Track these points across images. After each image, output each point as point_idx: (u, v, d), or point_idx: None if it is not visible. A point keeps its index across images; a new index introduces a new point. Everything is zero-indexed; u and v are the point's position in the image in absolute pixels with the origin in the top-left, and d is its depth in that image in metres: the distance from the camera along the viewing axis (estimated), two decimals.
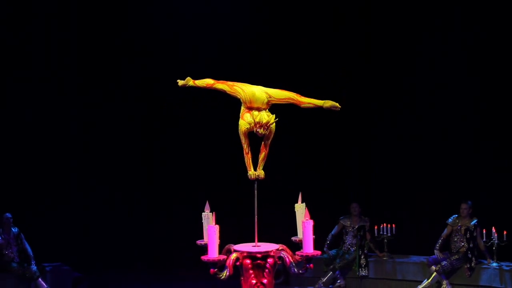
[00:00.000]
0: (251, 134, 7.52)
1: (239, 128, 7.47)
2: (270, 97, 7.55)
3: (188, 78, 7.86)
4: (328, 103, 7.59)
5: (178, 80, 7.87)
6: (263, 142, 7.56)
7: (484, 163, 12.51)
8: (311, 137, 13.72)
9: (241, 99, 7.61)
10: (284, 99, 7.59)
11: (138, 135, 14.21)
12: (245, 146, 7.47)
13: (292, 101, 7.61)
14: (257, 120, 7.39)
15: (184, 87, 7.89)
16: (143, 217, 13.93)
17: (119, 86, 14.00)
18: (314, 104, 7.61)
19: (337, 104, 7.58)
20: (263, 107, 7.50)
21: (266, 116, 7.43)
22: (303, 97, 7.63)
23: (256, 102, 7.50)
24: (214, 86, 7.84)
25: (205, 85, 7.90)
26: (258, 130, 7.40)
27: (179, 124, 14.12)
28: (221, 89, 7.80)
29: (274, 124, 7.47)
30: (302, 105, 7.63)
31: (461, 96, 12.89)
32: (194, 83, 7.91)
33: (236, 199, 12.47)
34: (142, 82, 14.09)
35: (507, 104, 12.53)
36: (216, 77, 12.85)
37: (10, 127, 13.01)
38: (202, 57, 13.67)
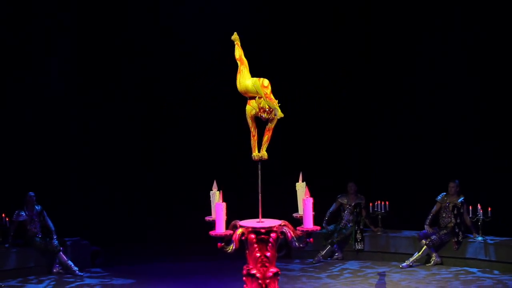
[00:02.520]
0: (257, 119, 7.58)
1: (246, 113, 7.59)
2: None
3: (238, 38, 8.09)
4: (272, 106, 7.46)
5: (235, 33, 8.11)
6: (267, 126, 7.61)
7: (471, 148, 12.53)
8: (313, 129, 13.62)
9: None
10: (258, 94, 7.61)
11: (138, 135, 13.70)
12: (252, 129, 7.58)
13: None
14: (261, 105, 7.48)
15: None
16: (142, 216, 13.51)
17: (119, 86, 13.50)
18: (269, 106, 7.50)
19: (280, 113, 7.40)
20: (259, 95, 7.56)
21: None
22: (268, 98, 7.48)
23: (251, 93, 7.62)
24: (237, 60, 7.99)
25: (240, 54, 8.05)
26: (262, 114, 7.50)
27: (179, 124, 13.73)
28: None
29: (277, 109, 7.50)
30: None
31: (461, 96, 12.67)
32: (237, 46, 8.08)
33: (241, 181, 12.13)
34: (142, 82, 13.62)
35: (507, 104, 12.31)
36: (216, 77, 12.77)
37: (10, 127, 12.58)
38: (202, 57, 13.37)
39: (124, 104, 13.55)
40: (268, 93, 7.51)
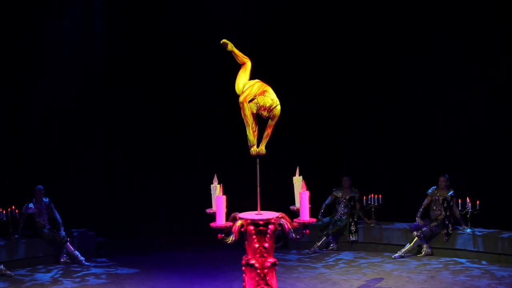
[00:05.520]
0: (258, 117, 7.58)
1: (250, 109, 7.51)
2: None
3: (232, 45, 7.91)
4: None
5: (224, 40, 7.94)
6: (268, 123, 7.60)
7: (461, 143, 12.41)
8: (312, 123, 13.52)
9: None
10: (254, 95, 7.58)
11: (139, 134, 13.46)
12: (253, 125, 7.51)
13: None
14: (261, 104, 7.45)
15: (225, 46, 7.92)
16: (145, 210, 13.36)
17: (120, 86, 13.23)
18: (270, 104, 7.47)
19: (253, 140, 7.51)
20: (257, 94, 7.53)
21: (269, 101, 7.47)
22: (242, 110, 7.47)
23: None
24: (242, 63, 7.93)
25: (241, 58, 7.92)
26: (262, 112, 7.47)
27: (180, 124, 13.56)
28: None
29: (277, 108, 7.49)
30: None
31: (454, 93, 12.51)
32: (233, 49, 7.91)
33: (240, 174, 11.90)
34: (143, 81, 13.39)
35: (501, 102, 12.11)
36: (216, 76, 12.55)
37: (14, 127, 12.52)
38: (201, 57, 13.21)
39: (125, 104, 13.36)
40: (242, 100, 7.46)
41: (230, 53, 7.94)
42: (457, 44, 12.45)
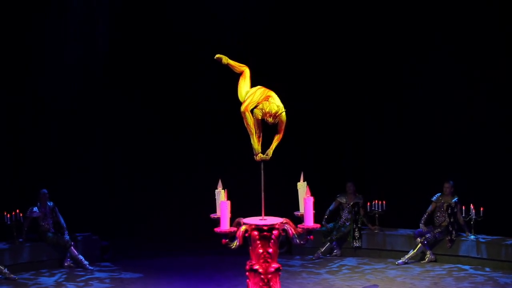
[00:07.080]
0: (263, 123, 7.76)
1: (254, 116, 7.66)
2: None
3: (226, 58, 8.06)
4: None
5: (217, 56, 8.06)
6: (277, 128, 7.75)
7: (464, 148, 12.52)
8: (313, 127, 13.65)
9: None
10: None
11: (142, 134, 13.68)
12: (257, 132, 7.67)
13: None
14: (266, 110, 7.57)
15: (219, 61, 8.06)
16: (149, 214, 13.59)
17: (121, 87, 13.41)
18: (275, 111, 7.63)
19: (257, 147, 7.66)
20: (262, 100, 7.70)
21: (275, 107, 7.58)
22: (244, 119, 7.64)
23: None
24: (241, 73, 8.08)
25: (238, 68, 8.06)
26: (267, 119, 7.60)
27: (182, 125, 13.76)
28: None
29: (284, 114, 7.63)
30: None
31: (457, 96, 12.63)
32: (228, 62, 8.05)
33: (240, 174, 11.93)
34: (143, 81, 13.55)
35: (501, 105, 12.25)
36: (216, 76, 12.64)
37: (15, 128, 12.74)
38: (201, 57, 12.91)
39: (125, 104, 13.51)
40: (243, 109, 7.58)
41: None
42: (457, 44, 12.53)
